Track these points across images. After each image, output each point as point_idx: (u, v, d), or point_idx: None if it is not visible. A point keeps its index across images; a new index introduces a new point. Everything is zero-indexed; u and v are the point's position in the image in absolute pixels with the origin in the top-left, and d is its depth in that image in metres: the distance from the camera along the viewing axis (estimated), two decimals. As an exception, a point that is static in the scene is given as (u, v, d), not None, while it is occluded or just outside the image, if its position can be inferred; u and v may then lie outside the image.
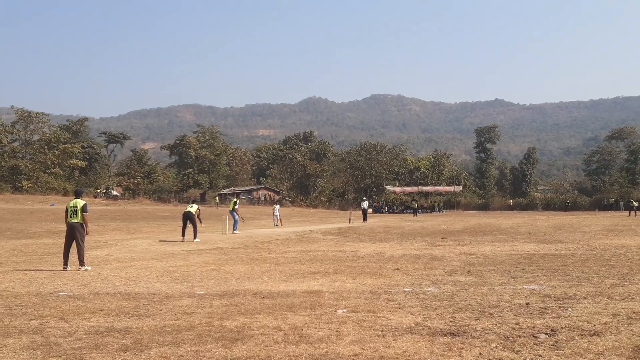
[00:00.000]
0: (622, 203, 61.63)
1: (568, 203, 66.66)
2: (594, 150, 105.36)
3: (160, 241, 20.46)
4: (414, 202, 61.32)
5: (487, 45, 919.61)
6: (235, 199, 26.74)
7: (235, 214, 25.03)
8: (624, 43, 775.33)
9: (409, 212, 64.63)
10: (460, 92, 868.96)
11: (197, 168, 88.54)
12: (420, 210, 65.63)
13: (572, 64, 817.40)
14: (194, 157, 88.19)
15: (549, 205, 69.46)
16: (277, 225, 31.84)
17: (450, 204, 74.58)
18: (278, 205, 34.42)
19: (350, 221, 34.94)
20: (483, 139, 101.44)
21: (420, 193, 78.88)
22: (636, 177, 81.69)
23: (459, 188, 78.86)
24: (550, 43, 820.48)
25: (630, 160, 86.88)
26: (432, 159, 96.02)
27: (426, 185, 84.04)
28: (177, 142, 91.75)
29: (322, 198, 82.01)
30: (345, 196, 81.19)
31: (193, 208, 20.76)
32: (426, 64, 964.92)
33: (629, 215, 43.31)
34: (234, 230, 24.66)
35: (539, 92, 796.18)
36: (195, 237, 20.17)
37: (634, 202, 45.99)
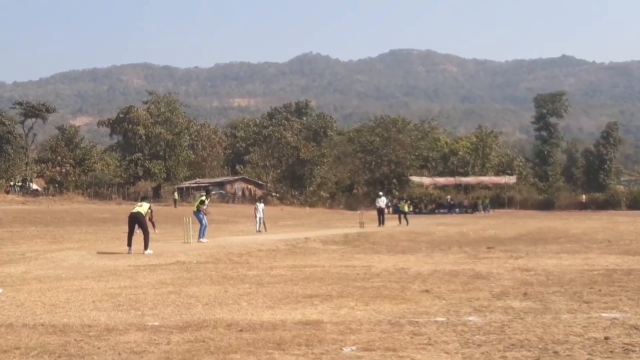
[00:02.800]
0: None
1: None
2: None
3: (98, 253, 20.48)
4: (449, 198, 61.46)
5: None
6: (202, 195, 26.77)
7: (201, 215, 24.99)
8: None
9: (443, 212, 64.70)
10: (513, 46, 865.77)
11: (149, 152, 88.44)
12: (458, 210, 65.71)
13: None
14: (144, 137, 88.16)
15: (637, 203, 69.43)
16: (260, 231, 31.86)
17: (499, 200, 74.69)
18: (262, 204, 34.47)
19: (362, 225, 35.01)
20: (545, 111, 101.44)
21: (458, 186, 78.92)
22: None
23: (512, 179, 78.95)
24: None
25: None
26: (475, 139, 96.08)
27: (466, 175, 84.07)
28: (121, 115, 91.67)
29: (321, 193, 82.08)
30: (354, 190, 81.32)
31: (143, 207, 20.75)
32: (465, 8, 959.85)
33: None
34: (199, 237, 24.64)
35: (622, 46, 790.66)
36: (146, 247, 20.18)
37: None
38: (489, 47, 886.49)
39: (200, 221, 24.97)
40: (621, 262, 16.44)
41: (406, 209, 35.69)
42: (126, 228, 21.42)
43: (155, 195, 77.15)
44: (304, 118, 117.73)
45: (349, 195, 79.02)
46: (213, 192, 64.16)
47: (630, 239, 24.95)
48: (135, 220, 20.55)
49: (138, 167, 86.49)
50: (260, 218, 32.68)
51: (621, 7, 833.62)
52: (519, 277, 13.64)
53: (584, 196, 75.92)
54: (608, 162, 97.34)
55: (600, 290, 11.40)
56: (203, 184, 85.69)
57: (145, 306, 10.45)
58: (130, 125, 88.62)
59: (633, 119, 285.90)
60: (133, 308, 10.29)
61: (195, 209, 25.69)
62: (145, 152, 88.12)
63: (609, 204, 71.09)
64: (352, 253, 21.11)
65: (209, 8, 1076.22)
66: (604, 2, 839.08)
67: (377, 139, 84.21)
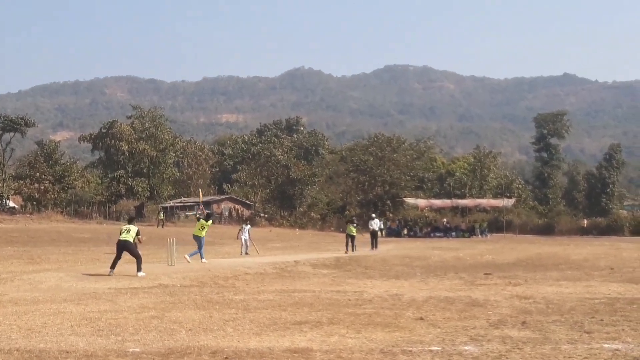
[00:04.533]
0: None
1: None
2: None
3: (77, 275, 20.40)
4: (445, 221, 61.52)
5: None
6: (205, 219, 27.03)
7: (202, 239, 25.73)
8: None
9: (439, 235, 64.73)
10: (513, 63, 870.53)
11: (132, 169, 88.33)
12: (454, 233, 65.75)
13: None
14: (127, 154, 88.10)
15: (641, 229, 69.66)
16: (246, 254, 31.83)
17: (497, 224, 74.72)
18: (249, 226, 34.43)
19: (349, 250, 34.79)
20: (546, 131, 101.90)
21: (454, 208, 79.00)
22: None
23: (510, 202, 79.08)
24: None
25: None
26: (473, 160, 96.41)
27: (463, 197, 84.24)
28: (103, 131, 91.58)
29: (312, 214, 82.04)
30: (347, 211, 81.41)
31: (131, 233, 20.66)
32: (464, 23, 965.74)
33: None
34: (197, 257, 25.17)
35: (626, 64, 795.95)
36: (139, 269, 20.08)
37: None
38: (487, 64, 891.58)
39: (201, 245, 25.51)
40: (624, 291, 16.51)
41: (354, 232, 35.21)
42: (108, 249, 21.39)
43: (138, 215, 76.94)
44: (295, 135, 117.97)
45: (341, 217, 79.07)
46: (196, 212, 64.13)
47: (633, 267, 25.04)
48: (124, 248, 20.51)
49: (120, 185, 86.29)
50: (245, 240, 32.65)
51: (625, 25, 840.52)
52: (518, 305, 13.68)
53: (585, 221, 76.05)
54: (611, 186, 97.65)
55: (602, 320, 11.44)
56: (188, 203, 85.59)
57: (126, 331, 10.43)
58: (113, 141, 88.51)
59: (637, 140, 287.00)
60: (113, 333, 10.27)
61: (197, 233, 25.90)
62: (128, 169, 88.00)
63: (611, 229, 71.17)
64: (343, 278, 21.12)
65: (196, 20, 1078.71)
66: (606, 19, 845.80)
67: (371, 159, 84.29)
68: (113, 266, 20.49)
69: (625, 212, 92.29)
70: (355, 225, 36.23)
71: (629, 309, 12.90)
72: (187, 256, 24.68)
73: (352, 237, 34.73)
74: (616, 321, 11.34)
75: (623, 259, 29.01)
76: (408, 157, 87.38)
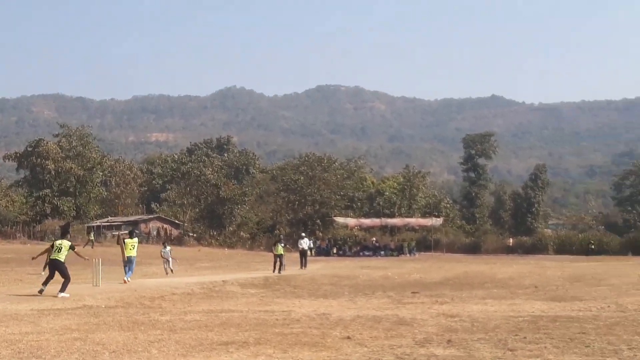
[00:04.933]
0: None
1: (593, 245, 68.43)
2: (627, 170, 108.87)
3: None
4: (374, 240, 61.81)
5: (482, 20, 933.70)
6: (129, 237, 26.82)
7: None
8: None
9: (368, 254, 65.02)
10: (443, 84, 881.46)
11: (58, 188, 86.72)
12: (383, 252, 66.14)
13: (599, 50, 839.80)
14: (53, 173, 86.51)
15: (564, 248, 71.04)
16: (172, 272, 31.62)
17: (426, 243, 75.45)
18: (168, 247, 33.90)
19: (277, 269, 34.58)
20: (474, 152, 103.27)
21: (384, 227, 79.51)
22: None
23: (438, 221, 79.96)
24: (568, 21, 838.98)
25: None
26: (402, 179, 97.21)
27: (393, 216, 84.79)
28: (29, 149, 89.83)
29: (241, 234, 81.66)
30: (277, 231, 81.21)
31: (62, 252, 20.24)
32: (395, 44, 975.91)
33: None
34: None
35: (553, 87, 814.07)
36: (62, 290, 19.63)
37: None
38: (418, 85, 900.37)
39: (132, 264, 25.58)
40: (547, 309, 16.79)
41: (281, 251, 35.10)
42: (31, 270, 20.94)
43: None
44: (225, 154, 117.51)
45: (271, 236, 78.91)
46: (122, 232, 63.26)
47: (557, 285, 25.54)
48: (55, 267, 20.11)
49: (46, 204, 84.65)
50: (169, 260, 32.38)
51: (551, 48, 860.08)
52: (444, 323, 13.80)
53: (511, 240, 77.23)
54: (536, 205, 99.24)
55: (525, 338, 11.61)
56: (115, 223, 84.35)
57: (47, 354, 10.22)
58: (39, 160, 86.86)
59: (562, 161, 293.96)
60: (34, 356, 10.05)
61: (129, 253, 25.62)
62: (54, 188, 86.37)
63: (536, 248, 72.47)
64: (272, 297, 21.06)
65: (125, 37, 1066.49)
66: (533, 43, 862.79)
67: (302, 178, 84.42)
68: (45, 283, 20.10)
69: (549, 231, 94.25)
70: (283, 244, 36.18)
71: (552, 327, 13.12)
72: (125, 278, 24.42)
73: (280, 257, 34.61)
74: (539, 339, 11.53)
75: (547, 278, 29.57)
76: (338, 176, 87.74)
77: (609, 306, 17.57)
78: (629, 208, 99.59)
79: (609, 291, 22.56)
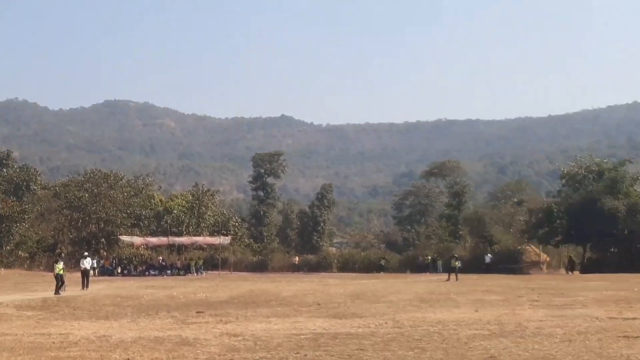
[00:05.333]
0: (440, 262, 67.23)
1: (384, 262, 71.10)
2: (407, 191, 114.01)
3: None
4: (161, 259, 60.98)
5: (268, 40, 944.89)
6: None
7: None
8: (447, 55, 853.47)
9: (154, 274, 64.09)
10: (234, 103, 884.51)
11: None
12: (170, 271, 65.43)
13: (379, 76, 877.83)
14: None
15: (347, 265, 73.26)
16: None
17: (213, 262, 75.25)
18: None
19: (57, 289, 33.24)
20: (263, 171, 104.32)
21: (171, 246, 78.60)
22: (459, 228, 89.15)
23: (226, 240, 80.00)
24: (349, 49, 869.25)
25: (452, 205, 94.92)
26: (191, 198, 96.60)
27: (181, 234, 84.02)
28: None
29: (20, 253, 77.92)
30: (58, 250, 78.20)
31: None
32: (184, 60, 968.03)
33: (449, 278, 47.28)
34: None
35: (339, 108, 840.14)
36: None
37: (456, 262, 50.33)
38: (209, 103, 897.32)
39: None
40: (328, 326, 17.20)
41: (60, 270, 34.09)
42: None
43: None
44: (5, 170, 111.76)
45: (52, 256, 75.84)
46: None
47: (339, 302, 26.21)
48: None
49: None
50: None
51: (336, 72, 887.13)
52: (227, 342, 13.80)
53: (297, 258, 78.60)
54: (322, 224, 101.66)
55: (306, 356, 11.83)
56: None
57: None
58: None
59: (347, 181, 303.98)
60: None
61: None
62: None
63: (321, 266, 74.18)
64: (49, 319, 20.21)
65: None
66: (320, 65, 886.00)
67: (86, 195, 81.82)
68: None
69: (334, 249, 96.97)
70: (62, 264, 34.88)
71: (332, 344, 13.45)
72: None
73: (61, 276, 33.33)
74: (319, 356, 11.78)
75: (330, 295, 30.30)
76: (125, 194, 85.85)
77: (386, 322, 18.26)
78: (408, 227, 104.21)
79: (387, 308, 23.45)
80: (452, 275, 47.99)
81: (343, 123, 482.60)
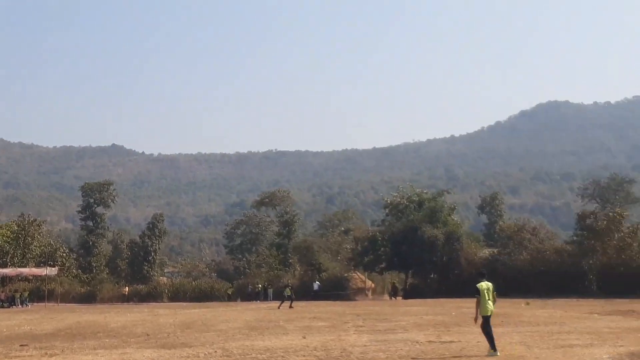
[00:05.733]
0: (271, 290, 67.93)
1: (231, 290, 71.05)
2: (238, 220, 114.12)
3: None
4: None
5: (87, 65, 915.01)
6: None
7: None
8: (272, 88, 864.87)
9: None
10: (61, 131, 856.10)
11: None
12: (-6, 304, 62.60)
13: (212, 104, 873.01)
14: None
15: (178, 295, 72.58)
16: None
17: (40, 293, 72.49)
18: None
19: None
20: (92, 200, 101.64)
21: (-5, 278, 75.07)
22: (289, 257, 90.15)
23: (53, 271, 77.14)
24: (177, 76, 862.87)
25: (282, 234, 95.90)
26: (16, 228, 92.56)
27: (5, 265, 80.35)
28: None
29: None
30: None
31: None
32: (9, 88, 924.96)
33: (280, 306, 47.56)
34: None
35: (171, 138, 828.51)
36: None
37: (289, 291, 50.88)
38: (37, 131, 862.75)
39: None
40: (157, 357, 16.97)
41: None
42: None
43: None
44: None
45: None
46: None
47: (168, 332, 25.87)
48: None
49: None
50: None
51: (168, 100, 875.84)
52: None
53: (127, 288, 77.09)
54: (153, 254, 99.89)
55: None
56: None
57: None
58: None
59: (178, 210, 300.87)
60: None
61: None
62: None
63: (151, 295, 73.16)
64: None
65: None
66: (150, 95, 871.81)
67: None
68: None
69: (165, 278, 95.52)
70: None
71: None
72: None
73: None
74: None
75: (159, 325, 29.84)
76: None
77: (215, 351, 18.20)
78: (240, 256, 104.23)
79: (217, 336, 23.35)
80: (285, 303, 48.26)
81: (175, 153, 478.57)
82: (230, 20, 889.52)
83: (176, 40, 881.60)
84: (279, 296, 51.94)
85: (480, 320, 18.17)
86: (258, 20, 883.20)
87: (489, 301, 18.23)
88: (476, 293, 18.26)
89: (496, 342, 17.97)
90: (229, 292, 71.54)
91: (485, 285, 18.36)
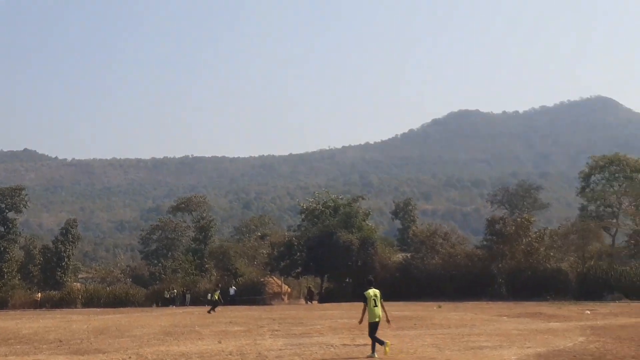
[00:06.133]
0: (188, 296, 67.52)
1: (217, 296, 70.09)
2: (154, 225, 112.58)
3: None
4: None
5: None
6: None
7: None
8: (189, 94, 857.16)
9: None
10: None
11: None
12: None
13: (127, 109, 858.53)
14: None
15: (92, 301, 71.28)
16: None
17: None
18: None
19: None
20: (3, 205, 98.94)
21: None
22: (205, 262, 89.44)
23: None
24: (89, 78, 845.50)
25: (198, 240, 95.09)
26: None
27: None
28: None
29: None
30: None
31: None
32: None
33: (210, 311, 47.19)
34: None
35: (85, 143, 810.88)
36: None
37: (216, 294, 50.93)
38: None
39: None
40: (70, 362, 16.58)
41: None
42: None
43: None
44: None
45: None
46: None
47: (81, 338, 25.34)
48: None
49: None
50: None
51: (84, 103, 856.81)
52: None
53: (39, 294, 75.39)
54: (66, 259, 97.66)
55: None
56: None
57: None
58: None
59: (93, 215, 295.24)
60: None
61: None
62: None
63: (64, 302, 71.69)
64: None
65: None
66: (65, 99, 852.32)
67: None
68: None
69: (79, 284, 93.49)
70: None
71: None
72: None
73: None
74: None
75: (72, 331, 29.20)
76: None
77: (129, 357, 17.91)
78: (155, 261, 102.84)
79: (132, 342, 22.98)
80: (215, 309, 47.91)
81: (89, 158, 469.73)
82: (145, 25, 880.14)
83: (87, 41, 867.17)
84: (211, 301, 51.45)
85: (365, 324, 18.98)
86: (176, 27, 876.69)
87: (376, 308, 18.91)
88: (363, 300, 19.08)
89: (408, 345, 18.23)
90: (167, 295, 70.29)
91: (372, 292, 19.09)
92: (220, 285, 63.60)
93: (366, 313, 18.97)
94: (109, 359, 17.47)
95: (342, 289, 70.07)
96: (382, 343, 18.44)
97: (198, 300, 67.69)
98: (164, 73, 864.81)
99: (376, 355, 18.27)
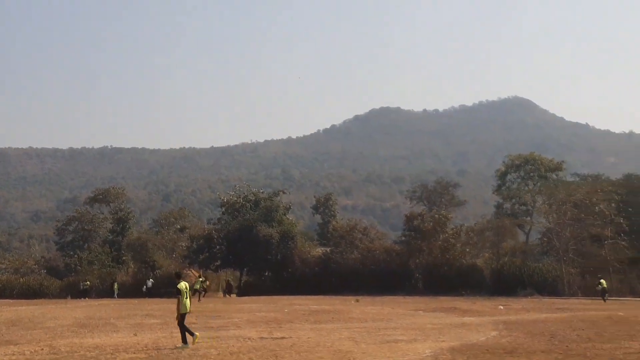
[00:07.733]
0: (116, 288, 66.86)
1: (84, 285, 68.79)
2: (70, 216, 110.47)
3: None
4: None
5: None
6: None
7: None
8: (112, 84, 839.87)
9: None
10: None
11: None
12: None
13: (48, 97, 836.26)
14: None
15: (5, 291, 69.75)
16: None
17: None
18: None
19: None
20: None
21: None
22: (122, 254, 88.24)
23: None
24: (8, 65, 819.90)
25: (115, 231, 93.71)
26: None
27: None
28: None
29: None
30: None
31: None
32: None
33: (200, 299, 47.12)
34: None
35: (1, 131, 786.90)
36: None
37: (200, 283, 51.06)
38: None
39: None
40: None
41: None
42: None
43: None
44: None
45: None
46: None
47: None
48: None
49: None
50: None
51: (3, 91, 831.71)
52: None
53: (-51, 285, 73.45)
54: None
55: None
56: None
57: None
58: None
59: (7, 205, 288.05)
60: None
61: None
62: None
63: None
64: None
65: None
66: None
67: None
68: None
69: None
70: None
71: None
72: None
73: None
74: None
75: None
76: None
77: (42, 349, 17.52)
78: (71, 253, 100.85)
79: (45, 334, 22.51)
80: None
81: (4, 146, 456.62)
82: (69, 14, 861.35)
83: (7, 31, 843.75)
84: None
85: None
86: (98, 15, 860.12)
87: (186, 300, 19.65)
88: (177, 293, 19.68)
89: (326, 338, 18.32)
90: (82, 287, 68.84)
91: (184, 285, 19.80)
92: (201, 273, 63.28)
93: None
94: (20, 351, 17.05)
95: (261, 283, 70.19)
96: (192, 334, 19.15)
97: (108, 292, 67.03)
98: (82, 58, 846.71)
99: (188, 345, 18.80)
